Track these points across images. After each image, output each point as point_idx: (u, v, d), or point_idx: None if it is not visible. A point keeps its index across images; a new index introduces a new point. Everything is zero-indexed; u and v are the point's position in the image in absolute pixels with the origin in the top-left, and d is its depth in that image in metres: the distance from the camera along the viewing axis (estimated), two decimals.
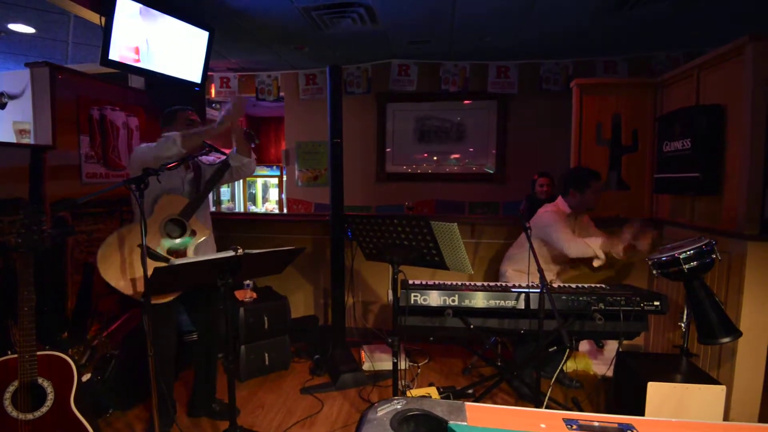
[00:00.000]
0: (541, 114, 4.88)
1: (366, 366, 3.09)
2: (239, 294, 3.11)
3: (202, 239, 2.29)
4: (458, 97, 5.02)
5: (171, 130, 2.26)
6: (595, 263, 2.65)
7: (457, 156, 5.18)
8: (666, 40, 4.01)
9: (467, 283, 2.52)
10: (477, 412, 1.08)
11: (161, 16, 3.01)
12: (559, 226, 2.71)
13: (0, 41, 3.93)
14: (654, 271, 2.27)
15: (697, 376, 2.09)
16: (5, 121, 5.00)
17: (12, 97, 5.07)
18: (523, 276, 2.76)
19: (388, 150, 5.28)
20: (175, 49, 3.20)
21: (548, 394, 2.29)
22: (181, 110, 2.38)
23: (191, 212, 2.32)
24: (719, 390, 1.98)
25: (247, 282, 3.13)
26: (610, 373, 2.49)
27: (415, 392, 2.56)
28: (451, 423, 1.02)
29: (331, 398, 2.73)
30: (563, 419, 1.05)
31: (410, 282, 2.46)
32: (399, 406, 1.10)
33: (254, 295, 3.12)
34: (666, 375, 2.05)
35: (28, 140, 4.16)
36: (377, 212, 5.13)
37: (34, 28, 3.63)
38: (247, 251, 1.88)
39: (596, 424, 1.04)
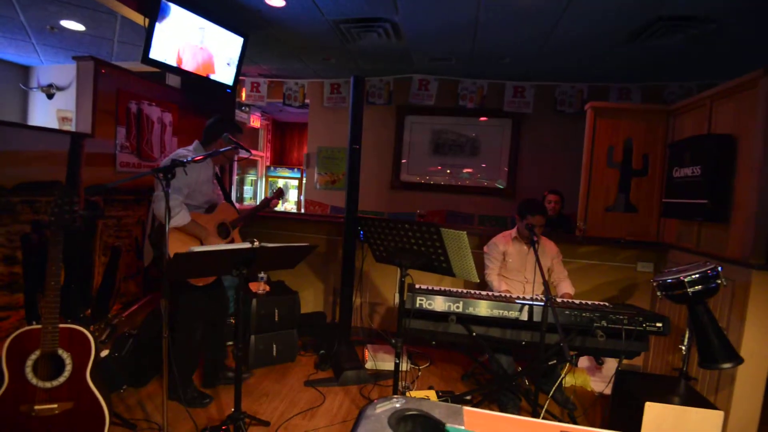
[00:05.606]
0: (553, 134, 4.81)
1: (369, 365, 3.05)
2: (253, 286, 3.10)
3: None
4: (475, 113, 4.98)
5: (210, 147, 2.38)
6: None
7: (470, 170, 5.14)
8: (679, 71, 3.94)
9: (472, 291, 2.47)
10: (474, 417, 1.04)
11: (201, 21, 3.06)
12: (488, 255, 2.81)
13: (52, 36, 4.04)
14: (658, 293, 2.19)
15: (696, 399, 2.00)
16: (52, 110, 5.14)
17: (60, 88, 5.21)
18: (504, 280, 2.81)
19: (403, 160, 5.26)
20: (211, 53, 3.25)
21: (545, 406, 2.22)
22: (233, 150, 2.40)
23: (237, 224, 2.55)
24: (717, 415, 1.89)
25: (262, 275, 3.13)
26: (607, 391, 2.40)
27: (415, 394, 2.50)
28: (449, 426, 0.98)
29: (333, 393, 2.70)
30: (560, 431, 1.00)
31: (417, 286, 2.42)
32: (398, 405, 1.07)
33: (267, 288, 3.11)
34: (664, 396, 1.97)
35: (69, 127, 4.25)
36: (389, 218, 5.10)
37: (84, 25, 3.73)
38: (263, 244, 1.87)
39: None
